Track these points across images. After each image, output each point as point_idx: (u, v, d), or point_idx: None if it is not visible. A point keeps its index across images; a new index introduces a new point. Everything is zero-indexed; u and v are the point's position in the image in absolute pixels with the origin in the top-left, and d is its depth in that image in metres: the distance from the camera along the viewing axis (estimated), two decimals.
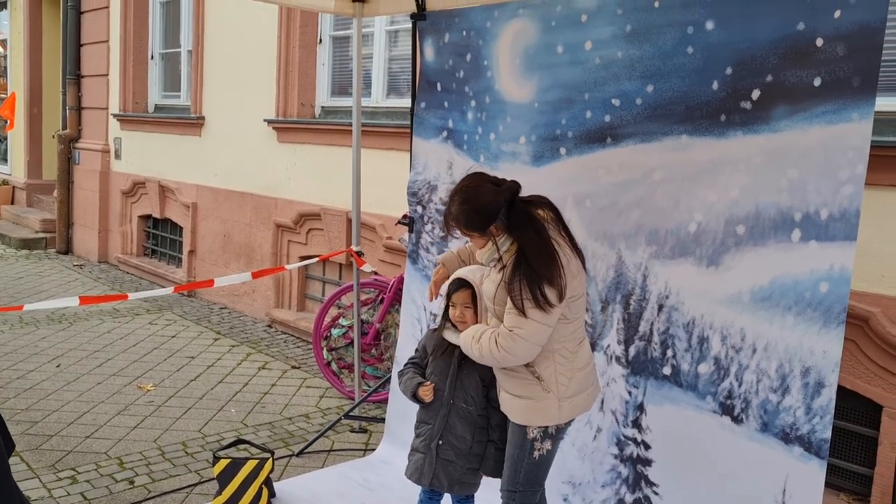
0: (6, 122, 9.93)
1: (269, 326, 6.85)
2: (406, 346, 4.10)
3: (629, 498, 3.14)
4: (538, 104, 3.45)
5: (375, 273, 4.82)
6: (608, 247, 3.20)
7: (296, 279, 6.76)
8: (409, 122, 4.25)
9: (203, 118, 7.74)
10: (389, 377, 4.48)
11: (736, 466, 2.79)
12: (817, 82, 2.54)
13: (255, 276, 4.42)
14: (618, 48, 3.12)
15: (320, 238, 6.44)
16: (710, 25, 2.82)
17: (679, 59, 2.92)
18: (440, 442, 2.87)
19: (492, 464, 2.88)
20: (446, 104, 3.94)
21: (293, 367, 5.74)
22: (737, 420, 2.79)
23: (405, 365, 3.03)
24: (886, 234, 3.40)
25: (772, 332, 2.69)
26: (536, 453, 2.69)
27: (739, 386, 2.79)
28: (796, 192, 2.62)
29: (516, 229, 2.58)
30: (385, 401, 4.52)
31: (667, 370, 3.01)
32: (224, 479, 3.48)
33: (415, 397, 2.90)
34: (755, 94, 2.70)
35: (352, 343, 4.93)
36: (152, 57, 8.80)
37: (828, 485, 2.82)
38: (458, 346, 2.80)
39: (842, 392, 3.00)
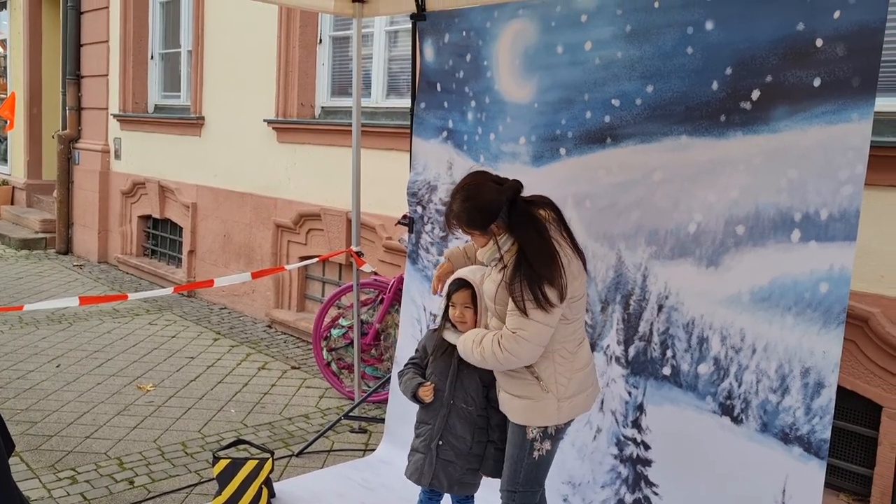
0: (6, 122, 9.94)
1: (269, 327, 6.85)
2: (406, 346, 4.10)
3: (629, 498, 3.13)
4: (538, 104, 3.45)
5: (375, 273, 4.82)
6: (608, 247, 3.20)
7: (295, 279, 6.76)
8: (408, 123, 4.25)
9: (203, 118, 7.73)
10: (389, 377, 4.48)
11: (736, 467, 2.79)
12: (817, 82, 2.54)
13: (254, 276, 4.42)
14: (617, 48, 3.12)
15: (320, 238, 6.44)
16: (709, 26, 2.83)
17: (679, 59, 2.92)
18: (440, 442, 2.87)
19: (492, 464, 2.88)
20: (446, 104, 3.94)
21: (293, 368, 5.74)
22: (736, 420, 2.79)
23: (405, 365, 3.03)
24: (886, 234, 3.40)
25: (771, 333, 2.69)
26: (536, 453, 2.69)
27: (739, 386, 2.79)
28: (796, 192, 2.62)
29: (517, 229, 2.57)
30: (385, 401, 4.52)
31: (666, 370, 3.01)
32: (224, 479, 3.48)
33: (415, 397, 2.90)
34: (755, 94, 2.71)
35: (351, 343, 4.93)
36: (152, 57, 8.80)
37: (827, 485, 2.82)
38: None
39: (841, 392, 3.00)
